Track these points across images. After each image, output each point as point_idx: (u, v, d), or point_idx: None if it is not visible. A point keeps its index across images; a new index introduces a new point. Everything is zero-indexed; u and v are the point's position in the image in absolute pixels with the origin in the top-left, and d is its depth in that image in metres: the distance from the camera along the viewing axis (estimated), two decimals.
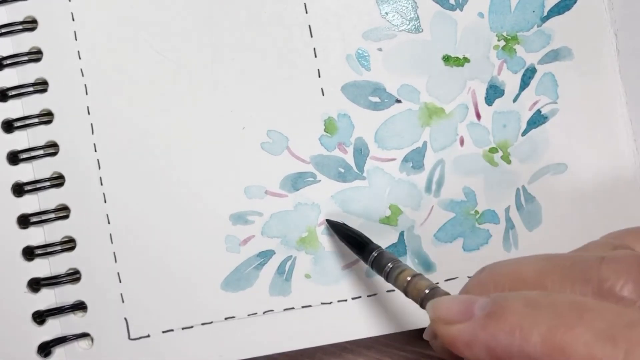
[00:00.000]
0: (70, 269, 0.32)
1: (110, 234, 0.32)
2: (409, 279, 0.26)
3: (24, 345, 0.32)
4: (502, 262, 0.24)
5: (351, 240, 0.31)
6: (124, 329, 0.32)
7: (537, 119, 0.33)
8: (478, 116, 0.33)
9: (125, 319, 0.32)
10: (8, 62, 0.32)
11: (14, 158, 0.32)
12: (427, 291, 0.26)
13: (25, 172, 0.32)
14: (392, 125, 0.33)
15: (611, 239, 0.26)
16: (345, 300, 0.33)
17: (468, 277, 0.33)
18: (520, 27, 0.33)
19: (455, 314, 0.22)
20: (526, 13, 0.33)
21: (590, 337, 0.19)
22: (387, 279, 0.28)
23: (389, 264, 0.28)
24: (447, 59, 0.33)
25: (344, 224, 0.32)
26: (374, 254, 0.29)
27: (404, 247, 0.33)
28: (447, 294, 0.25)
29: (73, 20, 0.32)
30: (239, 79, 0.33)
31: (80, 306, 0.32)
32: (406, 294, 0.27)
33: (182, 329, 0.32)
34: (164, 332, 0.32)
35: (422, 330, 0.33)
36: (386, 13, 0.33)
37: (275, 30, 0.33)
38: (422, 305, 0.26)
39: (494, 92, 0.33)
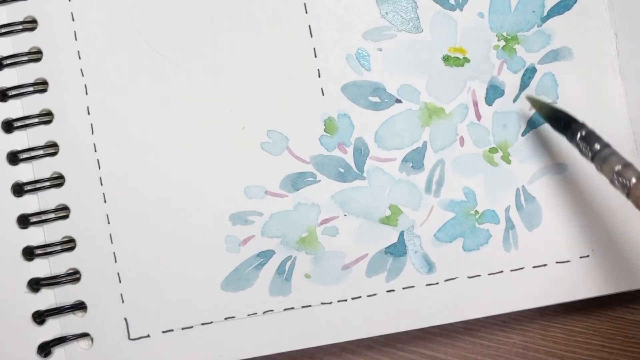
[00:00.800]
0: (70, 269, 0.32)
1: (110, 234, 0.32)
2: (618, 168, 0.27)
3: (24, 345, 0.32)
4: None
5: (553, 116, 0.31)
6: (123, 329, 0.32)
7: (537, 119, 0.33)
8: (478, 116, 0.33)
9: (125, 319, 0.32)
10: (8, 62, 0.32)
11: (14, 158, 0.32)
12: (634, 180, 0.26)
13: (25, 172, 0.32)
14: (392, 125, 0.33)
15: None
16: (345, 300, 0.33)
17: (468, 277, 0.33)
18: (520, 27, 0.33)
19: None
20: (526, 13, 0.33)
21: None
22: (592, 160, 0.28)
23: (596, 145, 0.28)
24: (447, 59, 0.33)
25: (548, 103, 0.32)
26: (582, 132, 0.29)
27: (404, 247, 0.33)
28: None
29: (73, 20, 0.32)
30: (239, 79, 0.33)
31: (80, 306, 0.32)
32: (611, 182, 0.27)
33: (182, 329, 0.32)
34: (163, 332, 0.32)
35: (422, 330, 0.33)
36: (386, 13, 0.33)
37: (275, 30, 0.33)
38: (628, 195, 0.26)
39: (494, 92, 0.33)
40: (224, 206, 0.32)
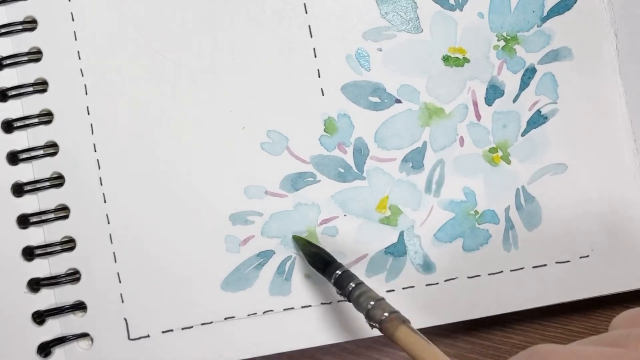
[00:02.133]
0: (70, 269, 0.32)
1: (110, 234, 0.32)
2: (372, 303, 0.27)
3: (24, 345, 0.32)
4: (557, 352, 0.22)
5: (315, 257, 0.31)
6: (123, 329, 0.32)
7: (537, 119, 0.33)
8: (478, 116, 0.33)
9: (125, 319, 0.32)
10: (8, 62, 0.32)
11: (14, 158, 0.32)
12: (385, 314, 0.27)
13: (25, 172, 0.32)
14: (392, 125, 0.33)
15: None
16: (345, 301, 0.33)
17: (468, 277, 0.33)
18: (520, 27, 0.33)
19: None
20: (526, 13, 0.33)
21: None
22: (348, 299, 0.29)
23: (351, 284, 0.29)
24: (447, 59, 0.33)
25: (309, 241, 0.32)
26: (338, 272, 0.30)
27: (404, 247, 0.33)
28: (406, 320, 0.26)
29: (73, 20, 0.32)
30: (239, 79, 0.33)
31: (80, 306, 0.32)
32: (367, 317, 0.27)
33: (182, 329, 0.32)
34: (163, 332, 0.32)
35: (422, 330, 0.33)
36: (386, 13, 0.33)
37: (275, 30, 0.33)
38: (380, 329, 0.27)
39: (493, 92, 0.33)
40: (224, 206, 0.32)
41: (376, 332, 0.32)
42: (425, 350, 0.25)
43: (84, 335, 0.32)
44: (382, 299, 0.28)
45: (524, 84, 0.33)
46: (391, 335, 0.27)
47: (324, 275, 0.31)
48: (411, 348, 0.25)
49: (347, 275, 0.30)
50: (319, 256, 0.31)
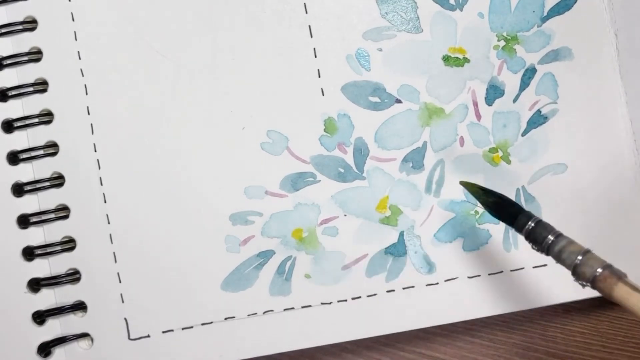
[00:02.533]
0: (70, 269, 0.32)
1: (110, 234, 0.32)
2: (579, 258, 0.24)
3: (24, 345, 0.32)
4: None
5: (498, 208, 0.28)
6: (123, 329, 0.32)
7: (537, 119, 0.33)
8: (478, 116, 0.33)
9: (125, 319, 0.32)
10: (8, 62, 0.32)
11: (14, 158, 0.32)
12: (599, 270, 0.24)
13: (25, 172, 0.32)
14: (392, 125, 0.33)
15: None
16: (345, 300, 0.33)
17: (468, 277, 0.33)
18: (520, 27, 0.33)
19: None
20: (526, 13, 0.33)
21: None
22: (547, 253, 0.26)
23: (550, 236, 0.26)
24: (447, 59, 0.33)
25: (484, 188, 0.28)
26: (531, 223, 0.26)
27: (404, 247, 0.33)
28: (623, 275, 0.24)
29: (73, 20, 0.32)
30: (239, 79, 0.33)
31: (80, 306, 0.32)
32: (574, 273, 0.25)
33: (182, 329, 0.32)
34: (164, 332, 0.32)
35: (422, 330, 0.33)
36: (386, 13, 0.33)
37: (275, 30, 0.33)
38: (593, 286, 0.24)
39: (494, 92, 0.33)
40: (224, 206, 0.32)
41: (375, 333, 0.33)
42: None
43: (84, 335, 0.32)
44: (589, 251, 0.25)
45: (524, 84, 0.33)
46: (609, 296, 0.24)
47: (512, 227, 0.27)
48: (634, 307, 0.23)
49: (543, 227, 0.26)
50: (502, 206, 0.27)
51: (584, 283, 0.24)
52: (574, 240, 0.25)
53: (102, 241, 0.32)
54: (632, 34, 0.33)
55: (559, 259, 0.25)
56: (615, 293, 0.24)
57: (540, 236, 0.26)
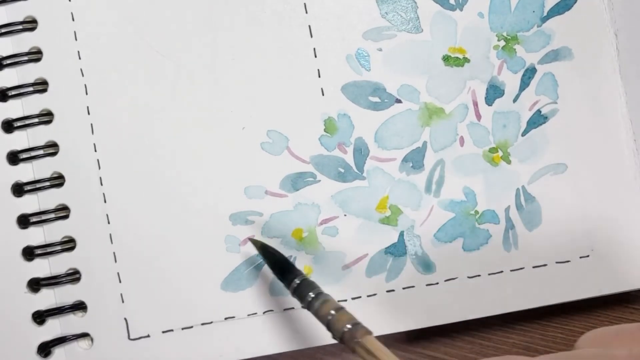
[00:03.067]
0: (70, 269, 0.32)
1: (110, 234, 0.32)
2: (332, 312, 0.26)
3: (24, 345, 0.32)
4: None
5: (275, 264, 0.30)
6: (123, 329, 0.32)
7: (537, 119, 0.33)
8: (478, 116, 0.33)
9: (125, 319, 0.32)
10: (8, 62, 0.32)
11: (14, 158, 0.32)
12: (348, 326, 0.25)
13: (25, 172, 0.32)
14: (392, 125, 0.33)
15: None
16: (345, 301, 0.33)
17: (468, 277, 0.33)
18: (520, 27, 0.33)
19: None
20: (526, 13, 0.33)
21: None
22: (308, 308, 0.28)
23: (311, 293, 0.28)
24: (447, 59, 0.33)
25: (268, 246, 0.31)
26: (297, 280, 0.28)
27: (404, 247, 0.33)
28: (368, 332, 0.25)
29: (73, 20, 0.32)
30: (239, 79, 0.32)
31: (80, 306, 0.32)
32: (327, 328, 0.26)
33: (182, 329, 0.32)
34: (164, 332, 0.32)
35: (422, 330, 0.33)
36: (386, 13, 0.33)
37: (275, 30, 0.33)
38: (342, 341, 0.25)
39: (494, 92, 0.33)
40: (224, 206, 0.32)
41: (376, 332, 0.32)
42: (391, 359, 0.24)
43: (84, 335, 0.32)
44: (342, 308, 0.26)
45: (524, 84, 0.33)
46: (353, 349, 0.25)
47: (282, 282, 0.29)
48: (378, 357, 0.24)
49: (307, 284, 0.28)
50: (277, 262, 0.30)
51: (335, 337, 0.26)
52: (332, 297, 0.27)
53: (102, 241, 0.32)
54: (632, 34, 0.33)
55: (317, 315, 0.27)
56: (360, 347, 0.25)
57: (304, 292, 0.28)
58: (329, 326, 0.26)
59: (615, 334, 0.23)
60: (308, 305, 0.28)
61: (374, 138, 0.33)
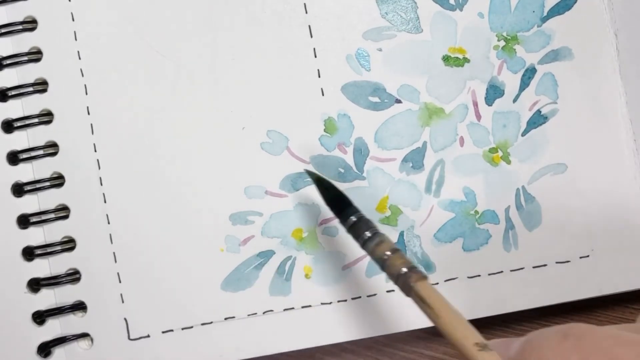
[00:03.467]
0: (70, 269, 0.32)
1: (110, 234, 0.32)
2: (388, 253, 0.26)
3: (24, 345, 0.32)
4: (595, 333, 0.20)
5: (331, 198, 0.30)
6: (123, 329, 0.32)
7: (537, 119, 0.33)
8: (478, 116, 0.33)
9: (125, 319, 0.32)
10: (8, 62, 0.32)
11: (14, 158, 0.32)
12: (404, 270, 0.25)
13: (25, 172, 0.32)
14: (392, 125, 0.33)
15: None
16: (345, 300, 0.33)
17: (468, 277, 0.33)
18: (520, 27, 0.33)
19: None
20: (526, 13, 0.33)
21: None
22: (363, 247, 0.27)
23: (367, 232, 0.27)
24: (447, 59, 0.33)
25: (324, 179, 0.31)
26: (353, 218, 0.28)
27: (404, 247, 0.33)
28: (424, 276, 0.25)
29: (73, 20, 0.32)
30: (239, 79, 0.33)
31: (80, 306, 0.32)
32: (382, 268, 0.26)
33: (182, 329, 0.32)
34: (163, 332, 0.32)
35: (422, 330, 0.33)
36: (386, 13, 0.33)
37: (275, 30, 0.33)
38: (397, 282, 0.25)
39: (494, 92, 0.33)
40: (224, 206, 0.32)
41: (376, 332, 0.33)
42: (443, 309, 0.23)
43: (84, 335, 0.32)
44: (399, 250, 0.26)
45: (524, 84, 0.33)
46: (408, 292, 0.25)
47: (338, 218, 0.29)
48: (426, 307, 0.24)
49: (364, 222, 0.27)
50: (334, 198, 0.29)
51: (391, 279, 0.26)
52: (389, 238, 0.27)
53: (102, 241, 0.32)
54: (632, 34, 0.33)
55: (372, 255, 0.27)
56: (415, 290, 0.24)
57: (361, 230, 0.27)
58: (383, 267, 0.26)
59: None
60: (363, 244, 0.27)
61: (374, 138, 0.33)
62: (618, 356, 0.20)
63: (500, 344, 0.22)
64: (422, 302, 0.24)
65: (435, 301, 0.24)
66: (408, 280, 0.25)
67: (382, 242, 0.27)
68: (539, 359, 0.20)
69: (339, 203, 0.29)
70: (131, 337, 0.32)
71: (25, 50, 0.32)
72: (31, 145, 0.32)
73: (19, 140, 0.32)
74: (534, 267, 0.33)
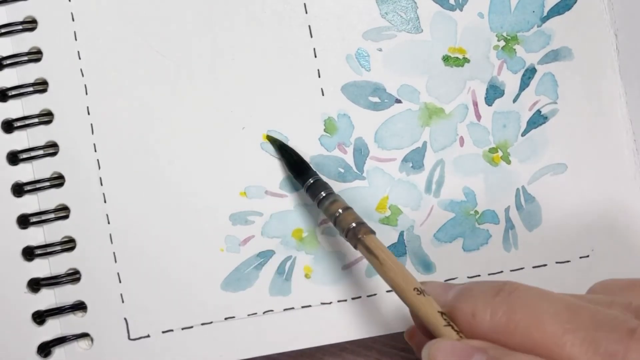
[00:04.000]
0: (70, 269, 0.32)
1: (110, 234, 0.32)
2: (340, 211, 0.29)
3: (24, 345, 0.32)
4: (525, 290, 0.23)
5: (291, 162, 0.32)
6: (123, 329, 0.32)
7: (537, 119, 0.33)
8: (478, 116, 0.33)
9: (125, 319, 0.32)
10: (8, 62, 0.32)
11: (14, 158, 0.32)
12: (353, 225, 0.28)
13: (25, 172, 0.32)
14: (392, 125, 0.33)
15: (622, 292, 0.24)
16: (345, 300, 0.33)
17: (468, 277, 0.33)
18: (520, 27, 0.33)
19: None
20: (526, 13, 0.33)
21: None
22: (318, 206, 0.30)
23: (322, 193, 0.30)
24: (447, 59, 0.33)
25: (286, 145, 0.32)
26: (310, 180, 0.31)
27: (404, 247, 0.33)
28: (372, 231, 0.28)
29: (73, 20, 0.32)
30: (239, 79, 0.33)
31: (80, 306, 0.32)
32: (335, 224, 0.29)
33: (182, 329, 0.32)
34: (163, 332, 0.32)
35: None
36: (386, 13, 0.33)
37: (275, 30, 0.33)
38: (346, 237, 0.28)
39: (493, 92, 0.33)
40: (223, 206, 0.32)
41: (376, 332, 0.33)
42: (386, 259, 0.26)
43: (84, 335, 0.32)
44: (350, 208, 0.29)
45: (524, 84, 0.33)
46: (355, 246, 0.28)
47: (297, 181, 0.32)
48: (372, 257, 0.27)
49: (321, 184, 0.31)
50: (294, 162, 0.32)
51: (342, 234, 0.29)
52: (342, 198, 0.30)
53: (102, 241, 0.32)
54: (632, 34, 0.33)
55: (326, 213, 0.30)
56: (361, 242, 0.28)
57: (316, 191, 0.30)
58: (335, 223, 0.29)
59: (625, 285, 0.24)
60: (319, 203, 0.30)
61: (374, 138, 0.33)
62: (542, 309, 0.22)
63: (440, 287, 0.25)
64: (368, 253, 0.27)
65: (380, 252, 0.27)
66: (356, 233, 0.28)
67: (335, 201, 0.30)
68: (470, 308, 0.23)
69: (299, 167, 0.32)
70: (131, 337, 0.32)
71: (25, 50, 0.32)
72: (31, 145, 0.32)
73: (19, 140, 0.32)
74: (534, 267, 0.33)
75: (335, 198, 0.30)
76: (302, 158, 0.32)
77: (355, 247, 0.28)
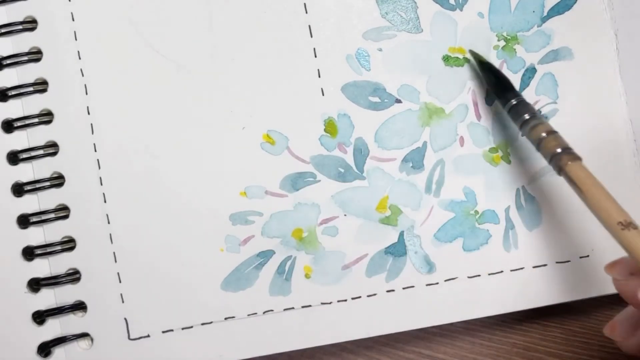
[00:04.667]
0: (70, 269, 0.32)
1: (110, 234, 0.32)
2: (544, 134, 0.28)
3: (24, 345, 0.32)
4: None
5: (494, 82, 0.31)
6: (123, 329, 0.32)
7: None
8: (478, 116, 0.33)
9: (125, 319, 0.32)
10: (8, 62, 0.32)
11: (14, 158, 0.32)
12: (558, 150, 0.27)
13: (25, 172, 0.32)
14: (392, 125, 0.33)
15: None
16: (345, 300, 0.33)
17: (468, 277, 0.33)
18: (520, 27, 0.33)
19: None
20: (526, 13, 0.33)
21: None
22: (521, 128, 0.29)
23: (526, 115, 0.29)
24: (447, 59, 0.33)
25: (488, 62, 0.32)
26: (513, 101, 0.30)
27: (404, 247, 0.33)
28: (578, 157, 0.27)
29: (73, 20, 0.32)
30: (239, 79, 0.33)
31: (80, 306, 0.32)
32: (538, 148, 0.28)
33: (182, 329, 0.32)
34: (164, 332, 0.32)
35: (422, 330, 0.33)
36: (386, 13, 0.33)
37: (275, 30, 0.33)
38: (550, 162, 0.27)
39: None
40: (224, 206, 0.32)
41: (376, 332, 0.33)
42: (594, 188, 0.26)
43: (84, 335, 0.32)
44: (556, 132, 0.28)
45: (524, 84, 0.33)
46: (559, 171, 0.27)
47: (499, 100, 0.31)
48: (575, 187, 0.26)
49: (524, 105, 0.30)
50: (497, 79, 0.31)
51: (546, 160, 0.28)
52: (547, 121, 0.29)
53: (102, 241, 0.32)
54: (632, 34, 0.33)
55: (529, 136, 0.29)
56: (565, 171, 0.27)
57: (520, 112, 0.29)
58: (538, 147, 0.28)
59: None
60: (521, 126, 0.29)
61: (374, 138, 0.33)
62: None
63: None
64: (571, 182, 0.26)
65: (584, 183, 0.26)
66: (560, 161, 0.27)
67: (539, 124, 0.28)
68: None
69: (502, 85, 0.31)
70: (131, 337, 0.32)
71: (25, 50, 0.32)
72: (31, 145, 0.32)
73: (19, 140, 0.32)
74: (534, 267, 0.33)
75: (540, 121, 0.29)
76: (506, 76, 0.31)
77: (559, 174, 0.27)
